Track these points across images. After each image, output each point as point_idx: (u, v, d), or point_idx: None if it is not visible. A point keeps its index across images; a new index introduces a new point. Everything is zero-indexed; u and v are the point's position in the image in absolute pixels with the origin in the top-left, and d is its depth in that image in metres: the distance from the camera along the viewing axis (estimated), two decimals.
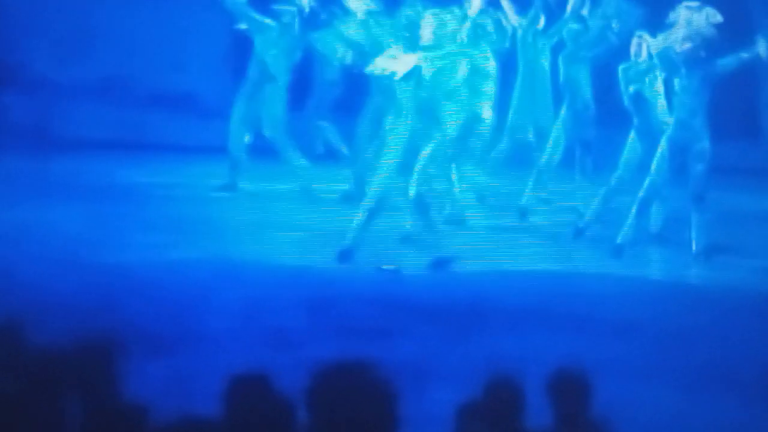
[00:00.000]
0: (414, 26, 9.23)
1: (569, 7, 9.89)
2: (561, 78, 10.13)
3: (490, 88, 9.64)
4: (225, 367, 4.36)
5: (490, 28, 9.66)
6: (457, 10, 9.71)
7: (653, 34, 9.50)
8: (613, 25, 9.94)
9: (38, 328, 4.75)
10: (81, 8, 12.97)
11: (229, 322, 7.61)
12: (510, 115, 10.06)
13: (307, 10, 10.26)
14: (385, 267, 8.97)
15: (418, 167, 8.93)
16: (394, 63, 9.26)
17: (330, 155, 10.94)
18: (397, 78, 9.35)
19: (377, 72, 9.19)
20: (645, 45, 9.52)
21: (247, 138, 10.16)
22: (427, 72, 9.15)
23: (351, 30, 9.77)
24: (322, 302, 8.15)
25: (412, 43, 9.23)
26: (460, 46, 9.26)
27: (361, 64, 9.34)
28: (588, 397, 5.02)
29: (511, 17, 9.82)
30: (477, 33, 9.61)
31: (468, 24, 9.65)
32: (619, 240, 9.27)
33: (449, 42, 9.25)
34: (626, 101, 9.46)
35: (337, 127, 10.69)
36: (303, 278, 8.68)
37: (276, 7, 10.26)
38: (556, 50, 10.11)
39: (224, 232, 9.93)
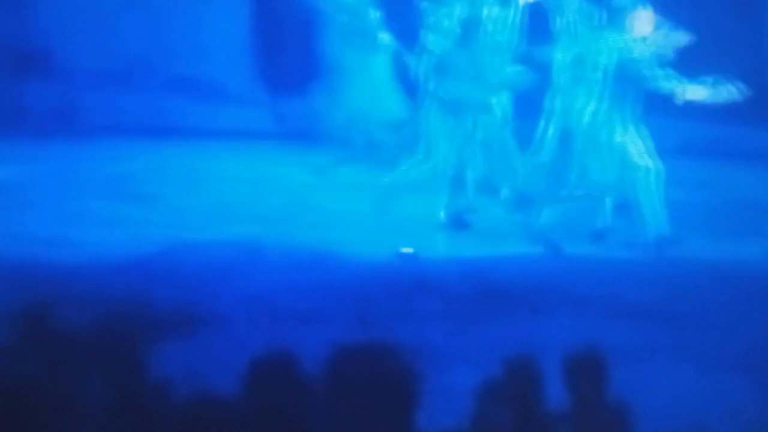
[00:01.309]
0: None
1: None
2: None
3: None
4: (245, 349, 4.45)
5: None
6: None
7: None
8: None
9: (62, 312, 4.84)
10: None
11: (249, 304, 7.74)
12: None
13: None
14: (403, 250, 9.16)
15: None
16: None
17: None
18: None
19: None
20: None
21: None
22: None
23: None
24: (341, 285, 8.31)
25: None
26: None
27: None
28: (605, 379, 5.12)
29: None
30: None
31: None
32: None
33: None
34: None
35: None
36: (323, 261, 8.83)
37: None
38: None
39: (247, 215, 10.11)
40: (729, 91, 8.98)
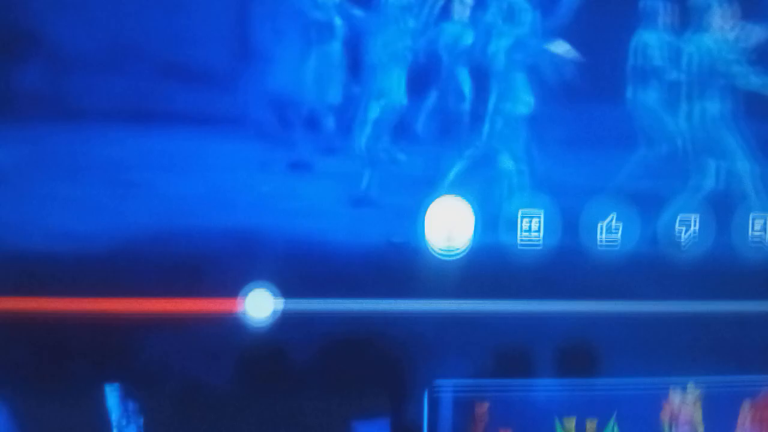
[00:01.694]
0: None
1: None
2: None
3: None
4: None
5: None
6: None
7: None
8: None
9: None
10: None
11: None
12: None
13: None
14: (394, 240, 9.14)
15: None
16: None
17: None
18: None
19: None
20: None
21: None
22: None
23: None
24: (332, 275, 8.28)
25: None
26: None
27: None
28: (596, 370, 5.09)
29: None
30: None
31: None
32: None
33: None
34: None
35: None
36: (313, 249, 8.81)
37: None
38: None
39: (239, 203, 10.09)
40: None
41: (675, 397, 4.67)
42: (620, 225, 5.00)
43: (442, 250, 4.38)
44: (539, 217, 4.85)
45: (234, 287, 3.90)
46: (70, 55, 4.68)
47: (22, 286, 3.88)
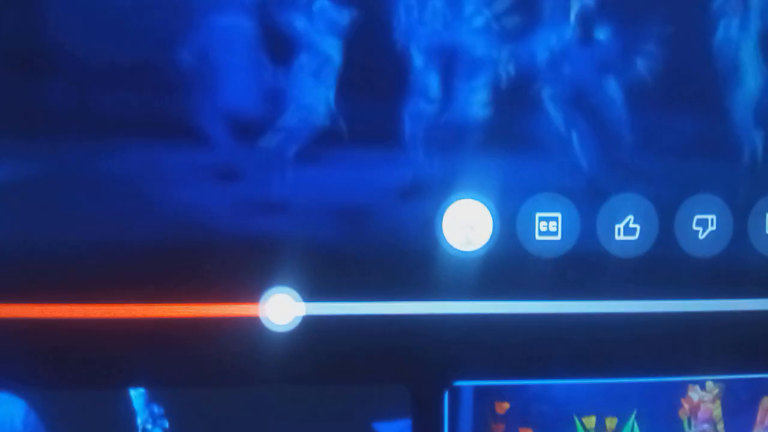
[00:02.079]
0: None
1: None
2: None
3: None
4: None
5: None
6: None
7: None
8: None
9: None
10: None
11: None
12: None
13: None
14: (411, 239, 9.07)
15: None
16: None
17: None
18: None
19: None
20: None
21: None
22: None
23: None
24: None
25: None
26: None
27: None
28: None
29: None
30: None
31: None
32: None
33: None
34: None
35: None
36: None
37: None
38: None
39: (257, 206, 10.05)
40: None
41: (694, 395, 4.71)
42: (638, 226, 5.02)
43: (460, 250, 4.44)
44: (558, 219, 4.90)
45: (257, 292, 3.96)
46: (92, 70, 4.75)
47: (52, 294, 3.96)
